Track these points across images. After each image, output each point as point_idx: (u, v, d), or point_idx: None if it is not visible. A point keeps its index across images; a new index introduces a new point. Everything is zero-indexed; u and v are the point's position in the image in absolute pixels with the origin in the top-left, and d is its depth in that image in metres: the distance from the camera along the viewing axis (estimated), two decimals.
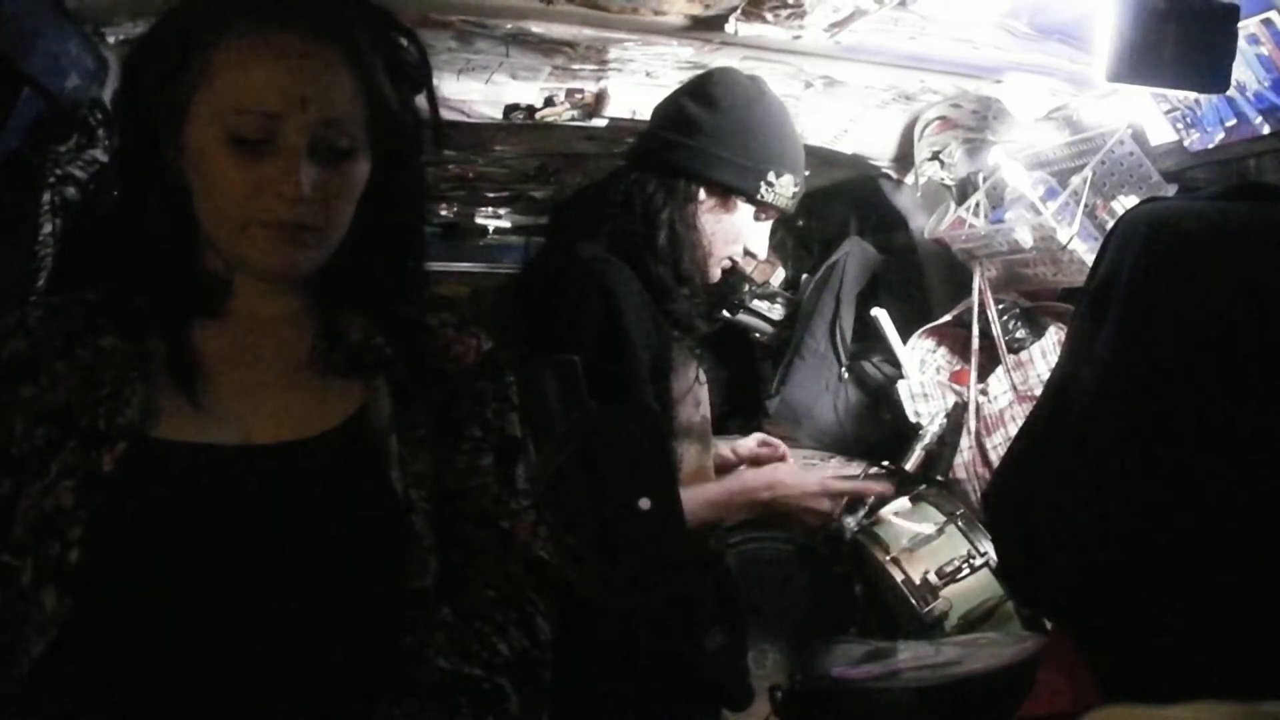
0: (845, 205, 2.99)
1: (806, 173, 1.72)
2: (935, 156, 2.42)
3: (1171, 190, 1.92)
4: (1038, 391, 2.06)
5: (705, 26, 1.80)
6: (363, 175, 0.95)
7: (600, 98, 2.12)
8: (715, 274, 1.71)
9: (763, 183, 1.63)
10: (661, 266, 1.60)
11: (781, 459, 1.84)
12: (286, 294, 0.98)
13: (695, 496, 1.57)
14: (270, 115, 0.87)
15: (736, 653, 1.68)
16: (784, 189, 1.65)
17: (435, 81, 1.02)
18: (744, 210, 1.67)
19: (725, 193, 1.64)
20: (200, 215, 0.92)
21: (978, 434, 2.32)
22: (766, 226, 1.72)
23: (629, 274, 1.56)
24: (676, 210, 1.62)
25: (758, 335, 2.97)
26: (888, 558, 2.15)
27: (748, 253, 1.72)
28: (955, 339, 2.51)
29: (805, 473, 1.82)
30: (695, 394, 1.69)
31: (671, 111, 1.68)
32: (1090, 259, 1.70)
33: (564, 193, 3.01)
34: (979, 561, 2.09)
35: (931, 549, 2.14)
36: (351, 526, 0.92)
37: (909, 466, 2.33)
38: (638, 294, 1.55)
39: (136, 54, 0.94)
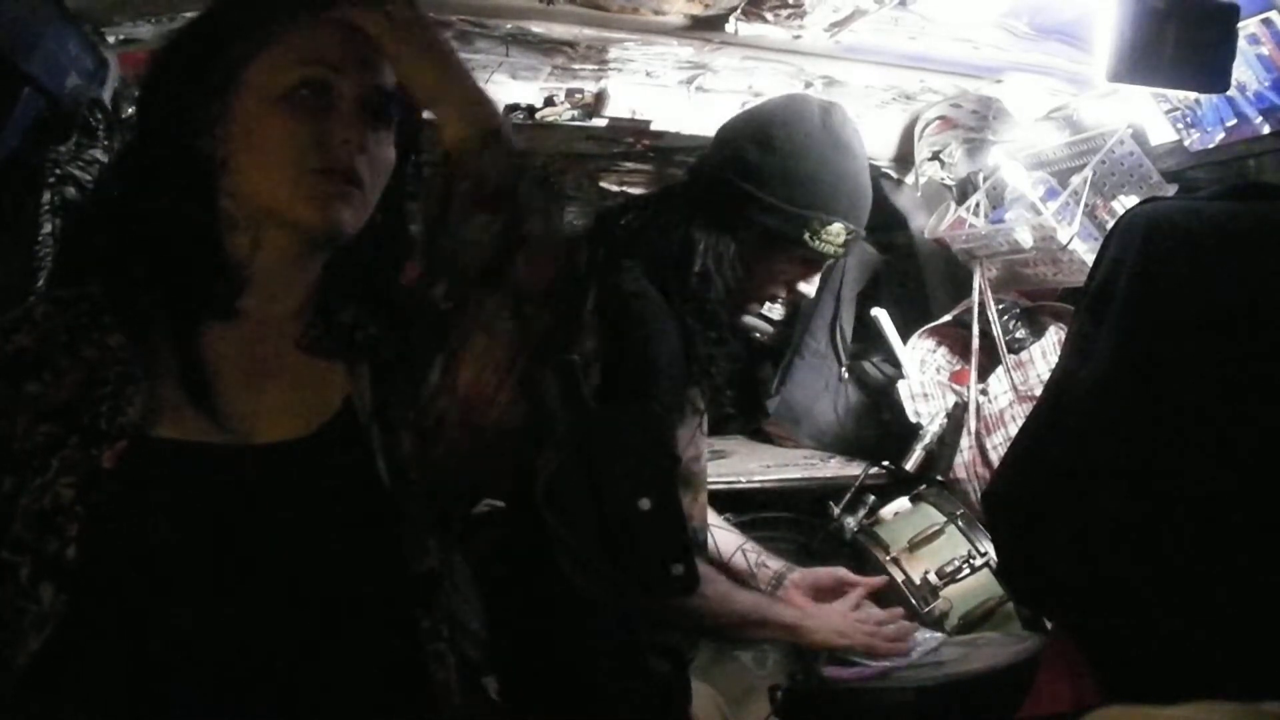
0: None
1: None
2: (935, 156, 2.42)
3: (1171, 190, 1.92)
4: (1038, 391, 2.06)
5: (705, 26, 1.80)
6: (393, 152, 0.98)
7: (600, 98, 2.11)
8: (751, 314, 1.68)
9: (807, 231, 1.56)
10: (688, 304, 1.55)
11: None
12: (293, 292, 0.99)
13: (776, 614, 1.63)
14: (335, 69, 0.92)
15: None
16: (833, 236, 1.57)
17: None
18: (789, 256, 1.60)
19: (770, 238, 1.58)
20: (239, 185, 0.93)
21: (978, 434, 2.32)
22: (814, 271, 1.65)
23: (666, 310, 1.52)
24: (711, 251, 1.56)
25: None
26: (888, 558, 2.15)
27: (791, 292, 1.66)
28: (955, 339, 2.51)
29: (831, 614, 1.72)
30: (696, 443, 1.65)
31: (730, 143, 1.62)
32: (1090, 259, 1.70)
33: (564, 192, 2.99)
34: (979, 561, 2.08)
35: (932, 549, 2.14)
36: (350, 522, 0.92)
37: (909, 466, 2.34)
38: (674, 333, 1.51)
39: (184, 37, 0.97)
